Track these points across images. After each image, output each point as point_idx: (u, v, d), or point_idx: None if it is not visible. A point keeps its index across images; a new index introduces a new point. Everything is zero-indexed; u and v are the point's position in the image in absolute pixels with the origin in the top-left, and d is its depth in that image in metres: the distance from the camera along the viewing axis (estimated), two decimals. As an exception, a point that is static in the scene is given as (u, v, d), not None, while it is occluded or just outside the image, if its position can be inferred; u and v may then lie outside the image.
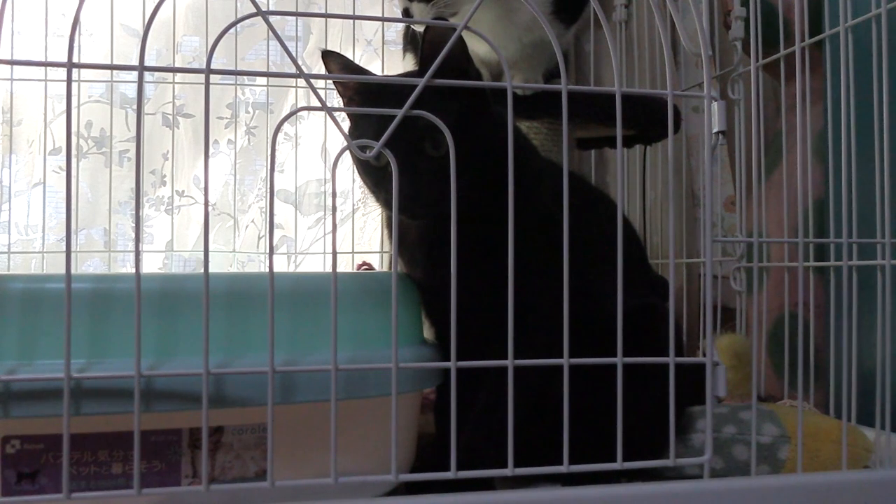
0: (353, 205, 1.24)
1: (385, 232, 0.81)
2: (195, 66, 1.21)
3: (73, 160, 1.16)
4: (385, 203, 0.64)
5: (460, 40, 0.58)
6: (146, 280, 0.47)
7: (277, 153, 1.23)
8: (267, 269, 0.47)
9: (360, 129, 0.63)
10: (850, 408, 0.66)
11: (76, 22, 0.45)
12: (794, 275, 0.86)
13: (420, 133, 0.59)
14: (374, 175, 0.63)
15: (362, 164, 0.64)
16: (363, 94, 0.64)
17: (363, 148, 0.50)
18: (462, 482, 0.50)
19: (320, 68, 0.65)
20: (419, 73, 0.64)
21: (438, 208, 0.59)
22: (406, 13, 0.86)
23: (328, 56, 0.64)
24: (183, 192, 1.24)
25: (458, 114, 0.58)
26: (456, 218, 0.49)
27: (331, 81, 1.12)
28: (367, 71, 0.68)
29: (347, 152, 0.51)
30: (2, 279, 0.57)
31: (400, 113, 0.49)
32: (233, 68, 1.19)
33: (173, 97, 1.19)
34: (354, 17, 1.24)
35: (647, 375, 0.56)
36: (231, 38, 1.12)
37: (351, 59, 0.65)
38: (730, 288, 1.00)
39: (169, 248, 1.20)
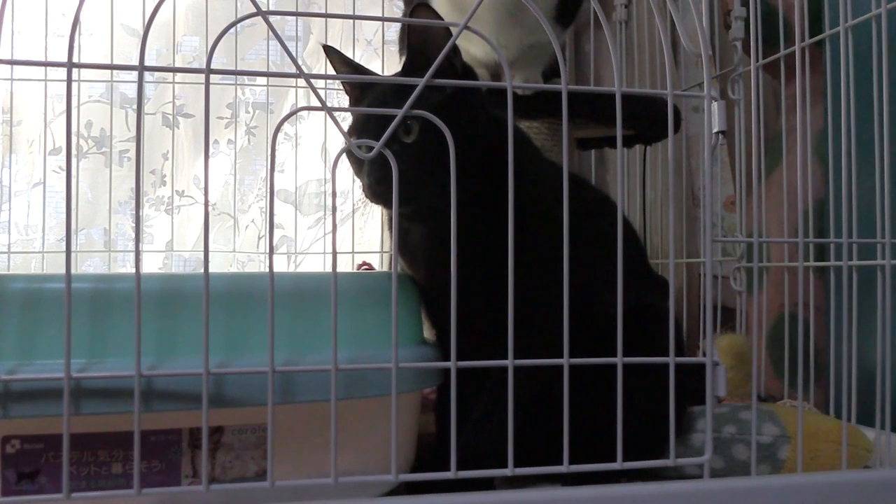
0: (353, 205, 1.24)
1: (386, 231, 0.81)
2: (195, 66, 1.21)
3: (73, 160, 1.16)
4: (365, 189, 0.63)
5: (444, 35, 0.58)
6: (146, 280, 0.47)
7: (277, 153, 1.23)
8: (267, 269, 0.47)
9: (356, 125, 0.64)
10: (850, 408, 0.66)
11: (76, 22, 0.45)
12: (794, 275, 0.86)
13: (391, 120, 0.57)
14: (354, 162, 0.65)
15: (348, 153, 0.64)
16: (357, 91, 0.66)
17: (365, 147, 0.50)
18: (462, 482, 0.50)
19: (320, 68, 0.65)
20: (406, 68, 0.64)
21: (413, 197, 0.59)
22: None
23: (329, 51, 0.66)
24: (183, 192, 1.24)
25: (437, 104, 0.56)
26: (449, 213, 0.48)
27: (332, 81, 1.13)
28: (363, 68, 0.68)
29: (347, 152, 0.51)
30: (2, 279, 0.57)
31: (400, 113, 0.49)
32: (233, 68, 1.19)
33: (173, 97, 1.19)
34: (354, 17, 1.24)
35: (648, 375, 0.56)
36: (231, 38, 1.12)
37: (351, 58, 0.66)
38: (730, 288, 1.00)
39: (169, 248, 1.20)
